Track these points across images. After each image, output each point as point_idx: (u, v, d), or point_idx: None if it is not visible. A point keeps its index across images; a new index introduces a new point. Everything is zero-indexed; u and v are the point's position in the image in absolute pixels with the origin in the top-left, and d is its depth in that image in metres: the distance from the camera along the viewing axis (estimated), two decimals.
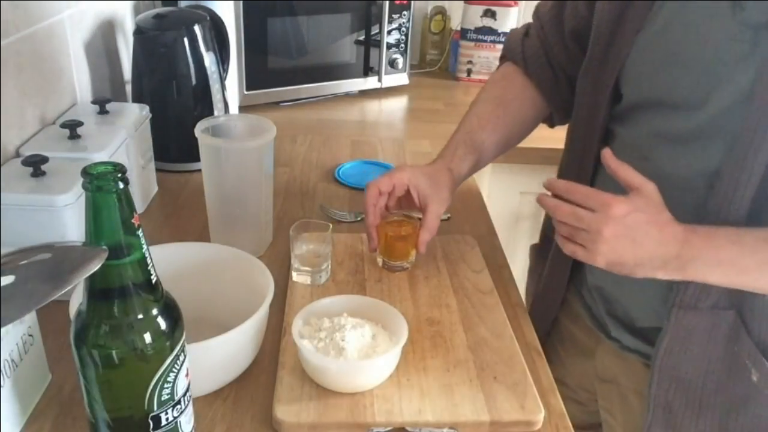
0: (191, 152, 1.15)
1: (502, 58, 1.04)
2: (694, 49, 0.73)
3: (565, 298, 0.94)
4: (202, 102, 1.22)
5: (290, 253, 0.92)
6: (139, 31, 1.17)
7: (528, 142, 1.52)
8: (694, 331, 0.75)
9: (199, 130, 0.90)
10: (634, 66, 0.79)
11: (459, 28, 1.89)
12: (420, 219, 0.91)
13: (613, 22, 0.79)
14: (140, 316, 0.52)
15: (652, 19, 0.77)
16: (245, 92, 1.56)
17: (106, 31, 1.31)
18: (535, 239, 1.66)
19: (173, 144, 1.23)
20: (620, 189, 0.70)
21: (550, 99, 0.97)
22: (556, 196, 0.72)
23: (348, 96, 1.74)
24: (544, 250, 0.96)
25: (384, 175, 0.91)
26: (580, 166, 0.87)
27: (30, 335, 0.67)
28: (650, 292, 0.79)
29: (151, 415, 0.55)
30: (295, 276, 0.91)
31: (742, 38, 0.68)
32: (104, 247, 0.49)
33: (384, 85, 1.75)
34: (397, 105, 1.73)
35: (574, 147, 0.88)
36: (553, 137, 1.54)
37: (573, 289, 0.94)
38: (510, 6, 1.80)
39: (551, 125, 1.03)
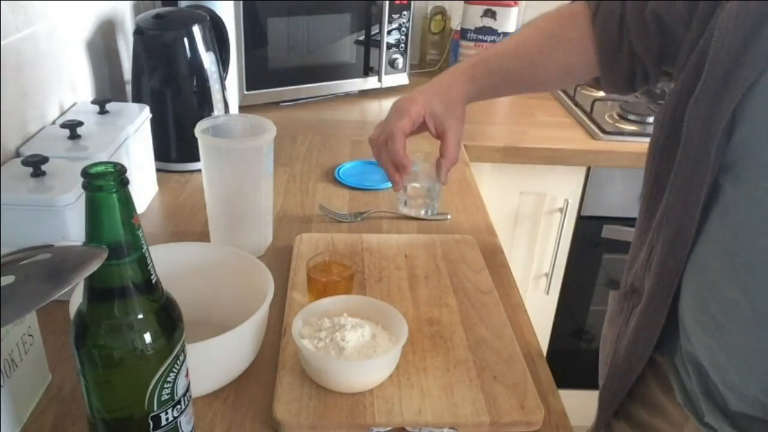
0: (191, 152, 1.16)
1: None
2: None
3: (654, 360, 0.78)
4: (202, 102, 1.22)
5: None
6: (139, 31, 1.17)
7: (528, 142, 1.53)
8: None
9: (199, 130, 0.90)
10: (761, 100, 0.60)
11: (459, 28, 1.89)
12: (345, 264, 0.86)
13: (742, 43, 0.61)
14: (140, 316, 0.52)
15: None
16: (245, 92, 1.56)
17: (106, 31, 1.31)
18: (535, 240, 1.67)
19: (173, 144, 1.23)
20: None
21: (603, 63, 0.84)
22: None
23: (348, 96, 1.74)
24: (630, 300, 0.80)
25: (400, 116, 0.82)
26: (680, 223, 0.69)
27: (30, 335, 0.67)
28: (755, 381, 0.64)
29: (151, 415, 0.55)
30: (404, 209, 0.91)
31: None
32: (104, 247, 0.49)
33: (384, 85, 1.75)
34: None
35: (676, 191, 0.69)
36: (553, 137, 1.55)
37: (666, 351, 0.77)
38: (510, 6, 1.80)
39: (598, 88, 0.90)
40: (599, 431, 0.84)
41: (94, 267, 0.47)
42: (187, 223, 1.07)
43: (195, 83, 1.20)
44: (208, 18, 1.22)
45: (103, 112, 1.07)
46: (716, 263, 0.66)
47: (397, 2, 1.68)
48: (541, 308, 1.71)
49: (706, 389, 0.70)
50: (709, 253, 0.67)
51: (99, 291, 0.51)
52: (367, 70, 1.71)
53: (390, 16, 1.67)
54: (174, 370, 0.55)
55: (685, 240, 0.68)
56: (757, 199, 0.61)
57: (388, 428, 0.68)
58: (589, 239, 1.63)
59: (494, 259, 1.01)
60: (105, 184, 0.48)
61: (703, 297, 0.68)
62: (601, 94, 1.81)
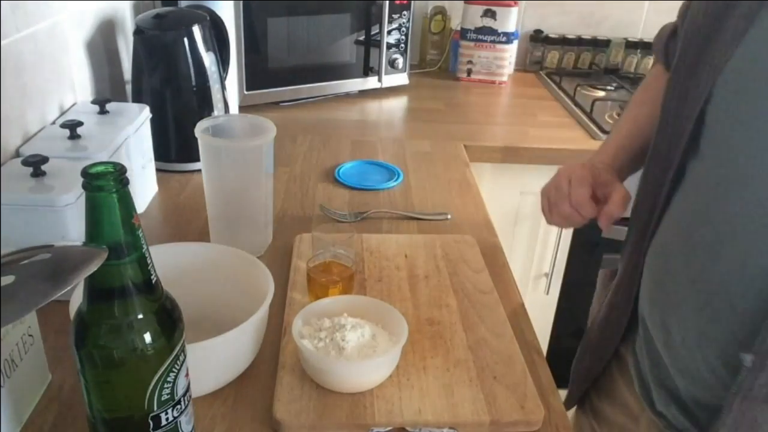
0: (191, 152, 1.16)
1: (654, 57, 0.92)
2: None
3: (619, 353, 0.81)
4: (202, 102, 1.22)
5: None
6: (139, 31, 1.17)
7: (528, 142, 1.53)
8: (760, 429, 0.61)
9: (199, 130, 0.90)
10: (733, 78, 0.62)
11: (459, 28, 1.89)
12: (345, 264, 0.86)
13: (712, 24, 0.63)
14: (140, 316, 0.52)
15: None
16: (245, 92, 1.56)
17: (106, 31, 1.31)
18: (535, 240, 1.67)
19: (173, 144, 1.23)
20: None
21: None
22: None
23: (348, 96, 1.74)
24: (612, 280, 0.84)
25: (581, 184, 0.78)
26: (652, 203, 0.72)
27: (30, 335, 0.67)
28: (705, 362, 0.65)
29: (151, 415, 0.55)
30: None
31: None
32: (104, 247, 0.49)
33: (384, 85, 1.75)
34: (397, 105, 1.73)
35: (651, 171, 0.72)
36: (553, 137, 1.55)
37: (630, 342, 0.80)
38: (510, 6, 1.80)
39: None
40: (571, 405, 0.88)
41: (94, 267, 0.47)
42: (187, 223, 1.07)
43: (195, 83, 1.20)
44: (208, 18, 1.22)
45: (103, 112, 1.07)
46: (675, 245, 0.68)
47: (397, 2, 1.68)
48: (541, 308, 1.71)
49: (658, 375, 0.72)
50: (670, 236, 0.69)
51: (99, 291, 0.51)
52: (367, 70, 1.71)
53: (390, 16, 1.67)
54: (174, 370, 0.55)
55: (654, 220, 0.71)
56: (717, 175, 0.63)
57: (388, 428, 0.68)
58: (589, 239, 1.63)
59: (494, 258, 1.01)
60: (105, 184, 0.48)
61: (660, 278, 0.70)
62: (602, 94, 1.82)
